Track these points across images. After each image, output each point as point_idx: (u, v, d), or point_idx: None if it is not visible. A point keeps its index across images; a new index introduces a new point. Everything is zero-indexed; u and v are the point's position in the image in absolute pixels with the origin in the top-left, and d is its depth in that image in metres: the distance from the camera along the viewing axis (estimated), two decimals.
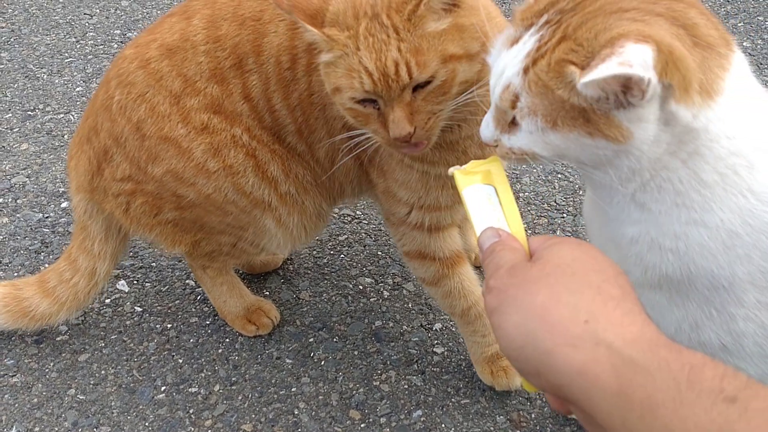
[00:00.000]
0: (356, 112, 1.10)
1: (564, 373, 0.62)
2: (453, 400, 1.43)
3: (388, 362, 1.50)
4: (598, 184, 0.88)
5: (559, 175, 1.97)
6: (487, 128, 0.88)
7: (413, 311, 1.62)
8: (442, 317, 1.60)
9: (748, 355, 0.92)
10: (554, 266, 0.68)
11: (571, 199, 1.89)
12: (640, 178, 0.84)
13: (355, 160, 1.33)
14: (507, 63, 0.82)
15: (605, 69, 0.71)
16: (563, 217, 1.84)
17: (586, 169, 0.84)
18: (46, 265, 1.70)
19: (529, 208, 1.87)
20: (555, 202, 1.89)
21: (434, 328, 1.57)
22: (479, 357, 1.43)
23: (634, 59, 0.71)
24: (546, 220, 1.84)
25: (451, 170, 0.86)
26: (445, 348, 1.53)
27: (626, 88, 0.73)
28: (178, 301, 1.64)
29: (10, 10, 2.73)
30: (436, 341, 1.54)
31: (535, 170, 1.97)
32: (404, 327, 1.58)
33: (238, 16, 1.28)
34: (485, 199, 0.82)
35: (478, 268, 1.71)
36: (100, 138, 1.35)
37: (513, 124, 0.84)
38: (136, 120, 1.29)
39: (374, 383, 1.46)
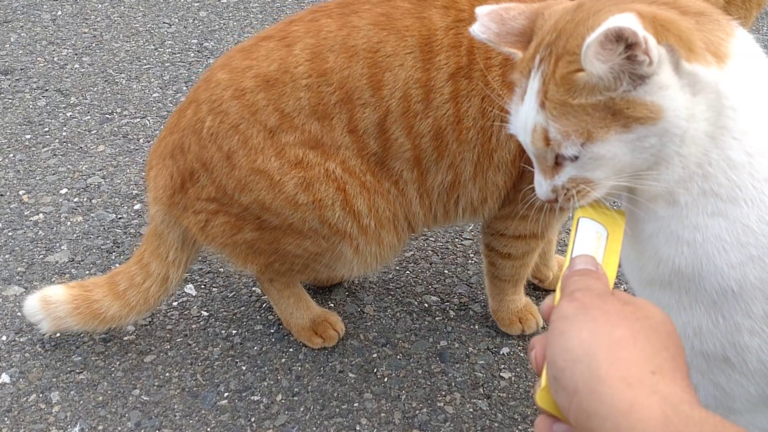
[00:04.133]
0: None
1: (606, 406, 0.60)
2: (520, 427, 1.38)
3: (453, 384, 1.47)
4: (650, 193, 0.85)
5: None
6: (540, 186, 0.87)
7: (480, 333, 1.58)
8: (509, 341, 1.55)
9: (750, 372, 0.87)
10: (643, 316, 0.67)
11: None
12: (687, 170, 0.81)
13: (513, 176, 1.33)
14: (525, 112, 0.83)
15: (596, 32, 0.71)
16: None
17: (644, 178, 0.81)
18: (117, 265, 1.73)
19: None
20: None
21: (501, 353, 1.53)
22: (509, 313, 1.55)
23: (619, 20, 0.71)
24: None
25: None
26: (513, 373, 1.48)
27: (630, 57, 0.73)
28: (243, 308, 1.64)
29: (93, 17, 2.81)
30: (503, 365, 1.50)
31: None
32: (470, 349, 1.54)
33: (348, 47, 1.24)
34: (594, 235, 0.82)
35: (545, 290, 1.67)
36: (186, 159, 1.34)
37: (557, 165, 0.84)
38: (227, 150, 1.28)
39: (438, 404, 1.43)
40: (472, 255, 1.79)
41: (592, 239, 0.81)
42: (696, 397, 0.63)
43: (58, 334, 1.53)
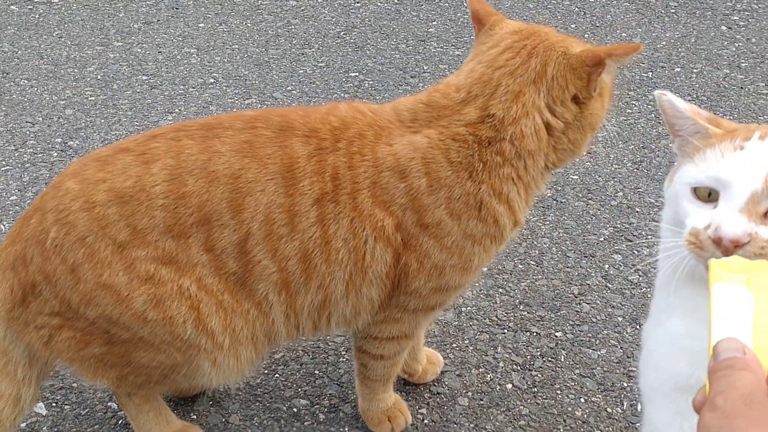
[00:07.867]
0: None
1: None
2: None
3: None
4: None
5: (500, 290, 1.96)
6: (737, 224, 0.86)
7: None
8: None
9: None
10: None
11: (512, 314, 1.87)
12: None
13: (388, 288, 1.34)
14: (753, 158, 0.89)
15: None
16: (504, 333, 1.82)
17: None
18: None
19: (471, 323, 1.84)
20: (497, 317, 1.87)
21: None
22: (379, 412, 1.54)
23: None
24: (488, 336, 1.81)
25: (710, 260, 0.79)
26: None
27: None
28: (97, 426, 1.54)
29: None
30: None
31: (477, 284, 1.96)
32: None
33: (208, 172, 1.24)
34: (736, 304, 0.73)
35: (415, 384, 1.66)
36: (28, 271, 1.27)
37: (766, 216, 0.87)
38: (71, 262, 1.23)
39: None
40: (343, 352, 1.76)
41: (733, 310, 0.72)
42: None
43: None
